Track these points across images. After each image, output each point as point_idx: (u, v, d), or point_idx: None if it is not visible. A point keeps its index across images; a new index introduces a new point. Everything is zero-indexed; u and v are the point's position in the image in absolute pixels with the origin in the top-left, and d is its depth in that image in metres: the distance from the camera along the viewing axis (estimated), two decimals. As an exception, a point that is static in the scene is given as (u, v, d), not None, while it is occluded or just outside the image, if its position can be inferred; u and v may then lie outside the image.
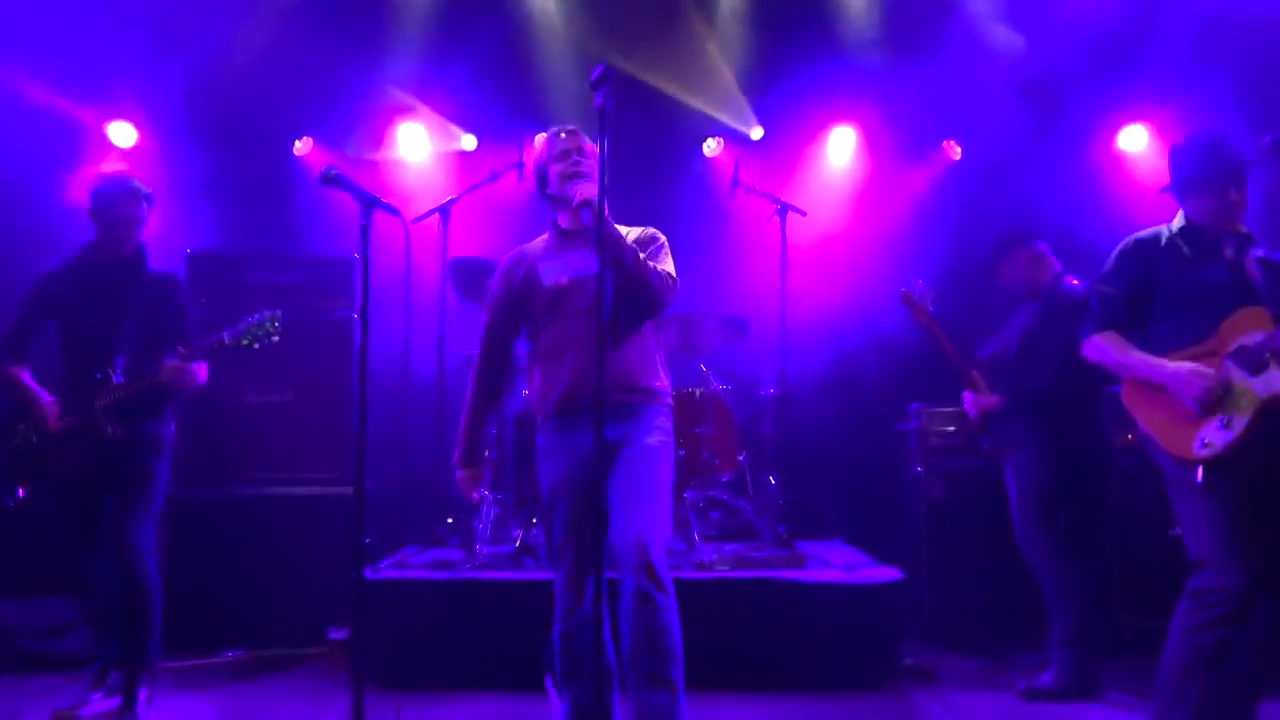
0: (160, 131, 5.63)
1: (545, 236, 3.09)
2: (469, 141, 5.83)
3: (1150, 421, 2.86)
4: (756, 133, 5.86)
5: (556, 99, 5.62)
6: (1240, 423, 2.67)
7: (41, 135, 5.29)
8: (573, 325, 2.90)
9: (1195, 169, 2.94)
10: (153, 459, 3.58)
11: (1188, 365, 2.77)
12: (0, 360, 3.62)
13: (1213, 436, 2.71)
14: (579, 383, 2.85)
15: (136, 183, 3.66)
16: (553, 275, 2.95)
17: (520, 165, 4.62)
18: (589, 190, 2.76)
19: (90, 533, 3.56)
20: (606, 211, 2.66)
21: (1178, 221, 2.98)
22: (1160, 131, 5.64)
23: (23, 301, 3.66)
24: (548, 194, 3.00)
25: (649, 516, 2.80)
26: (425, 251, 4.89)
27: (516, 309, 3.05)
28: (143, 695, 3.45)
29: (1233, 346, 2.76)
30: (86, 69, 5.30)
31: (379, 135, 5.82)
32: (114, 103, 5.53)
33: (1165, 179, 3.06)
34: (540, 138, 3.04)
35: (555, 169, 2.94)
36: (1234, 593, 2.63)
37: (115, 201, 3.59)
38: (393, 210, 2.22)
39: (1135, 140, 5.73)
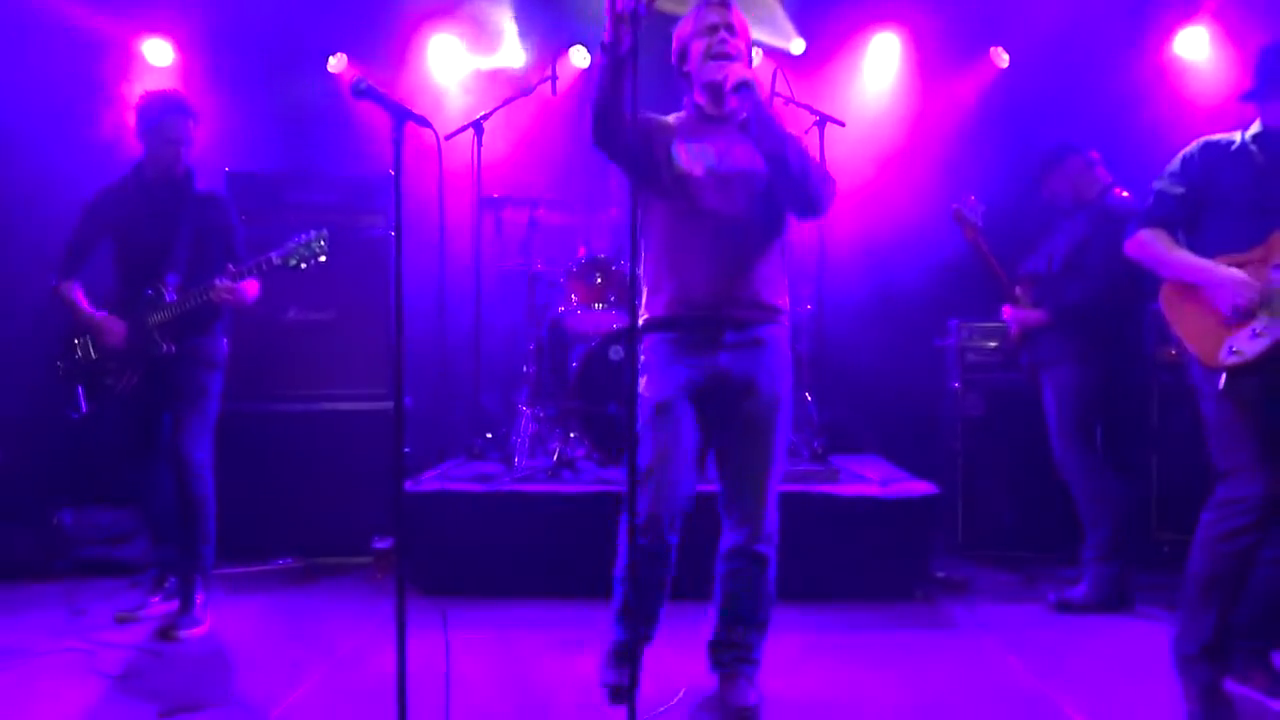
0: (193, 49, 5.60)
1: (683, 114, 2.81)
2: (515, 58, 5.72)
3: (1183, 325, 2.83)
4: (798, 46, 5.70)
5: (591, 9, 5.50)
6: (1274, 331, 2.64)
7: (74, 52, 5.28)
8: (707, 224, 2.64)
9: (1278, 74, 2.79)
10: (207, 374, 3.67)
11: (1235, 273, 2.72)
12: (54, 277, 3.70)
13: (1243, 344, 2.69)
14: (706, 290, 2.64)
15: (184, 101, 3.67)
16: (692, 161, 2.67)
17: (554, 78, 4.55)
18: (742, 72, 2.55)
19: (148, 444, 3.68)
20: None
21: (1255, 128, 2.86)
22: (1223, 33, 5.37)
23: (77, 221, 3.73)
24: (685, 70, 2.74)
25: (766, 494, 2.72)
26: (460, 167, 4.87)
27: (643, 162, 2.68)
28: (199, 599, 3.61)
29: (1276, 259, 2.70)
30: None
31: (413, 49, 5.75)
32: (148, 19, 5.50)
33: (1234, 84, 2.93)
34: (688, 10, 2.76)
35: (699, 45, 2.67)
36: (1259, 502, 2.64)
37: (164, 121, 3.61)
38: (424, 122, 2.20)
39: (1193, 44, 5.47)
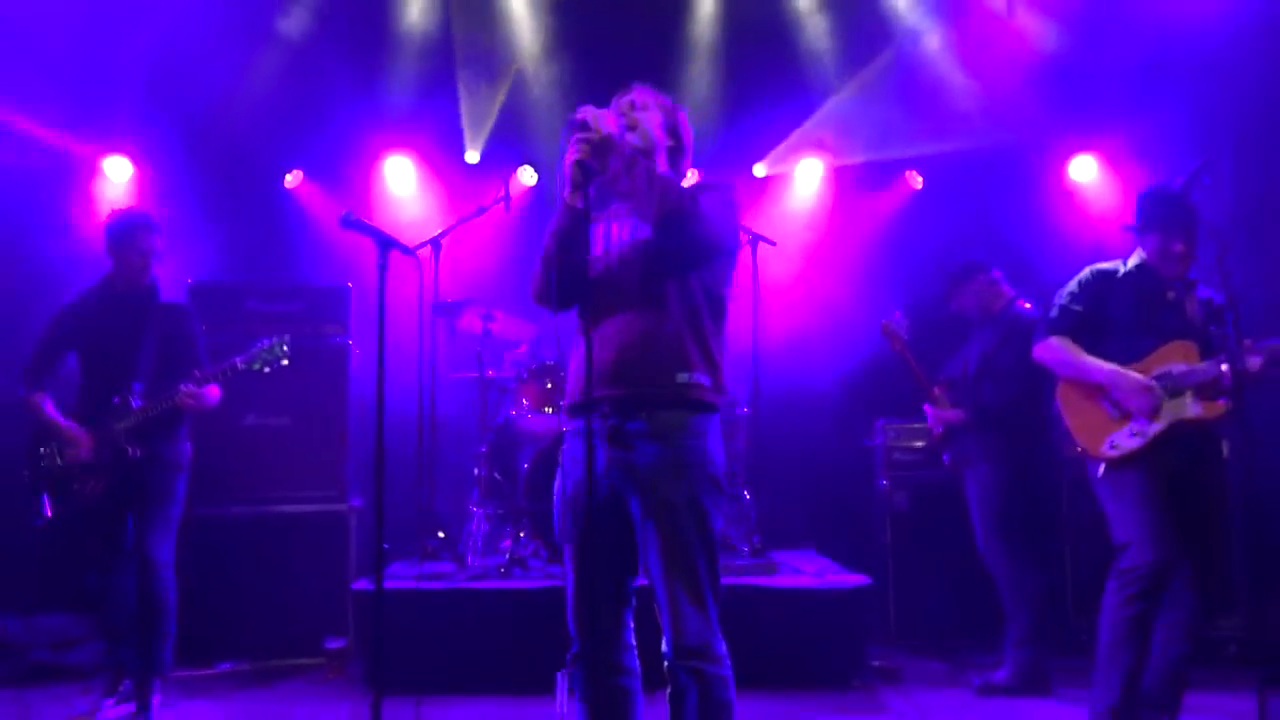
0: (154, 165, 5.84)
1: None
2: (472, 156, 6.06)
3: (1073, 419, 3.28)
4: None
5: (542, 136, 5.93)
6: (1148, 433, 3.09)
7: (37, 169, 5.49)
8: (583, 302, 2.42)
9: (1153, 216, 3.30)
10: (173, 477, 3.81)
11: (1141, 378, 3.15)
12: (22, 388, 3.83)
13: (1122, 441, 3.14)
14: (581, 373, 2.37)
15: (150, 217, 3.90)
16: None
17: (507, 199, 4.88)
18: (579, 150, 2.28)
19: (112, 547, 3.78)
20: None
21: (1134, 259, 3.36)
22: (1109, 161, 5.99)
23: (43, 332, 3.89)
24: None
25: (678, 604, 2.34)
26: (409, 282, 5.12)
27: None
28: (155, 700, 3.66)
29: (1158, 371, 3.16)
30: (81, 104, 5.50)
31: (366, 168, 6.07)
32: (109, 138, 5.73)
33: (1113, 210, 3.45)
34: None
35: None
36: (1150, 570, 3.02)
37: (131, 237, 3.84)
38: (408, 251, 2.47)
39: (1085, 170, 6.06)
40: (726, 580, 4.01)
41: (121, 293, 3.90)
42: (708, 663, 2.35)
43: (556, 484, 2.53)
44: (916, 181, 6.22)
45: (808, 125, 6.10)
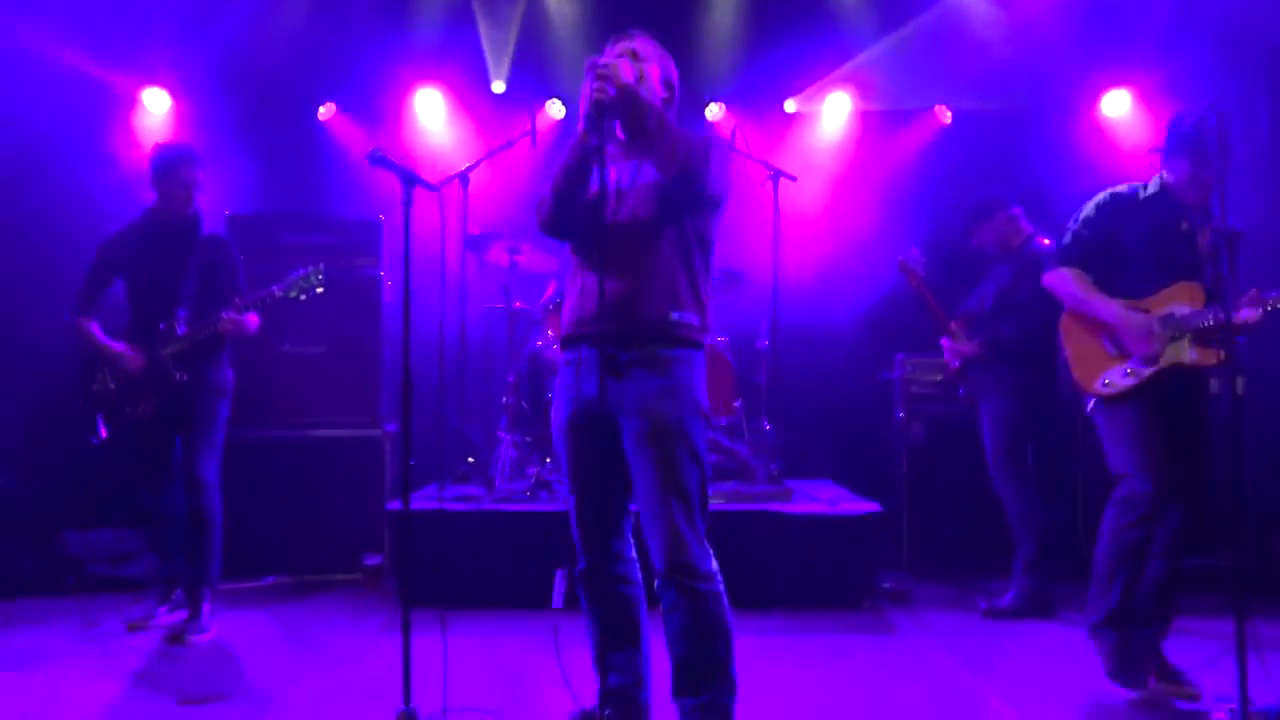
0: (191, 98, 5.97)
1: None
2: (498, 87, 6.10)
3: (1072, 350, 3.36)
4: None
5: (568, 67, 5.97)
6: (1140, 374, 3.17)
7: (77, 100, 5.63)
8: (584, 239, 2.60)
9: (1186, 140, 3.23)
10: (217, 401, 4.02)
11: (1144, 320, 3.19)
12: (72, 315, 4.03)
13: (1115, 378, 3.23)
14: (579, 307, 2.57)
15: (192, 150, 4.05)
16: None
17: (533, 133, 4.96)
18: (597, 90, 2.42)
19: (161, 466, 4.01)
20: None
21: (1154, 185, 3.33)
22: (1143, 97, 5.92)
23: (91, 261, 4.07)
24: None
25: (669, 521, 2.46)
26: (438, 216, 5.25)
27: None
28: (206, 608, 3.92)
29: (1163, 312, 3.19)
30: (120, 36, 5.62)
31: (399, 100, 6.16)
32: (148, 69, 5.86)
33: (1152, 142, 3.37)
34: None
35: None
36: (1149, 499, 3.13)
37: (174, 169, 3.99)
38: (431, 187, 2.59)
39: (1118, 105, 6.00)
40: (743, 506, 4.16)
41: (165, 223, 4.07)
42: (698, 580, 2.47)
43: (553, 412, 2.68)
44: (945, 116, 6.20)
45: (840, 66, 6.07)
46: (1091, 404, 3.31)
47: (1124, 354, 3.23)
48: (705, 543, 2.53)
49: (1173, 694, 3.15)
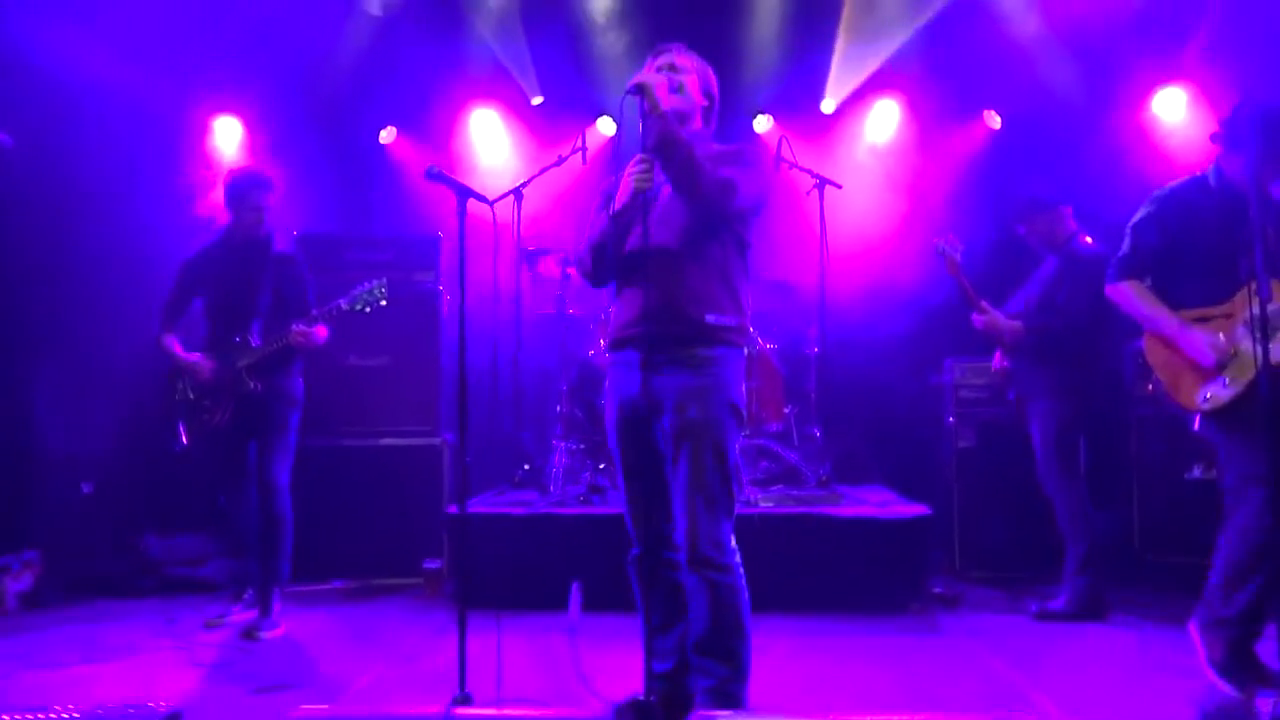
0: (261, 124, 6.27)
1: None
2: (536, 100, 6.31)
3: (1165, 372, 3.24)
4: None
5: (613, 87, 6.14)
6: (1241, 383, 3.04)
7: (152, 129, 5.94)
8: (629, 245, 2.73)
9: (1255, 129, 3.03)
10: (289, 409, 4.24)
11: (1203, 335, 3.11)
12: (156, 330, 4.30)
13: (1216, 391, 3.10)
14: (623, 313, 2.74)
15: (263, 175, 4.29)
16: (618, 199, 2.77)
17: (584, 150, 5.12)
18: (643, 77, 2.56)
19: (236, 471, 4.24)
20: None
21: (1213, 177, 3.22)
22: (1202, 95, 5.80)
23: (174, 279, 4.35)
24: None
25: (692, 515, 2.61)
26: (493, 231, 5.43)
27: None
28: (276, 606, 4.13)
29: (1247, 314, 3.04)
30: (195, 70, 5.93)
31: (455, 122, 6.38)
32: (221, 100, 6.18)
33: (1208, 144, 3.19)
34: None
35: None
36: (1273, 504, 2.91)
37: (246, 193, 4.23)
38: (484, 199, 2.74)
39: (1171, 104, 5.90)
40: (792, 509, 4.20)
41: (240, 243, 4.31)
42: (719, 572, 2.61)
43: (605, 411, 2.88)
44: (994, 121, 6.21)
45: (882, 64, 6.12)
46: (1199, 421, 3.17)
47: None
48: (728, 537, 2.65)
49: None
